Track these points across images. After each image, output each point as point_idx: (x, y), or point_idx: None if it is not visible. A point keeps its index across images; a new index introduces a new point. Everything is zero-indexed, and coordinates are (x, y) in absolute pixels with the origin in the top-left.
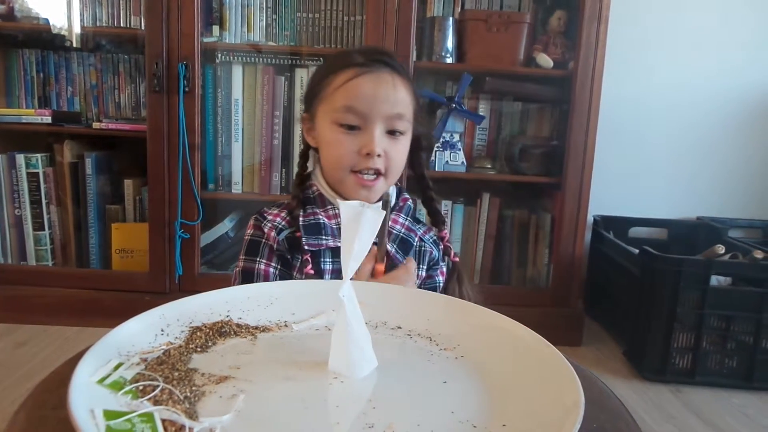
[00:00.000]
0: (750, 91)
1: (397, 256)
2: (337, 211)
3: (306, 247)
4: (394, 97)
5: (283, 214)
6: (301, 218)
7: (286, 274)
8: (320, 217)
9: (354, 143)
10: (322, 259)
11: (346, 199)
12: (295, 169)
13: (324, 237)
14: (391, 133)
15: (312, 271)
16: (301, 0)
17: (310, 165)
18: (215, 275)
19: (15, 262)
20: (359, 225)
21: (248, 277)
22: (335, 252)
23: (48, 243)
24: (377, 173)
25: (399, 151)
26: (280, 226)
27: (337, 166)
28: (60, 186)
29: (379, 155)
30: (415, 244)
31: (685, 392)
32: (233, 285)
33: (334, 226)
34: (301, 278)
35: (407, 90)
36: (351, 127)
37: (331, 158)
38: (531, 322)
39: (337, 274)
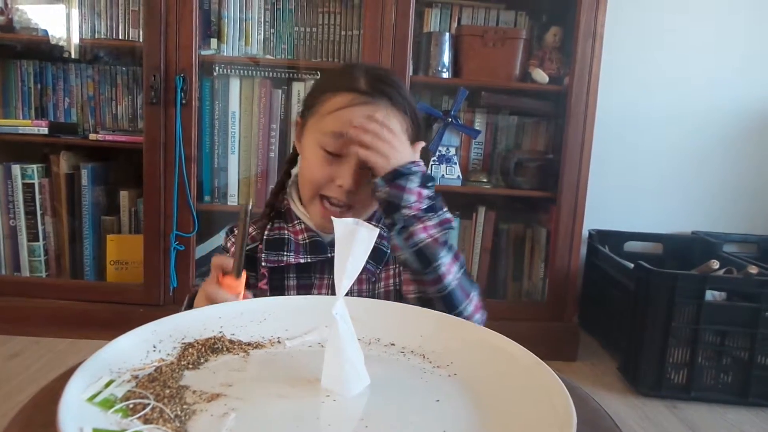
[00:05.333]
0: (744, 106)
1: (368, 266)
2: (303, 226)
3: (264, 263)
4: None
5: (249, 229)
6: (266, 232)
7: None
8: (285, 232)
9: (331, 171)
10: (285, 275)
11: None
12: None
13: (285, 253)
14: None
15: (265, 287)
16: (298, 14)
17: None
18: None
19: (8, 273)
20: (352, 243)
21: None
22: (300, 268)
23: (42, 254)
24: (346, 205)
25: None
26: None
27: (308, 187)
28: (55, 197)
29: (351, 191)
30: (388, 251)
31: (681, 408)
32: None
33: (300, 242)
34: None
35: (400, 125)
36: (333, 154)
37: (305, 176)
38: (526, 336)
39: (304, 290)
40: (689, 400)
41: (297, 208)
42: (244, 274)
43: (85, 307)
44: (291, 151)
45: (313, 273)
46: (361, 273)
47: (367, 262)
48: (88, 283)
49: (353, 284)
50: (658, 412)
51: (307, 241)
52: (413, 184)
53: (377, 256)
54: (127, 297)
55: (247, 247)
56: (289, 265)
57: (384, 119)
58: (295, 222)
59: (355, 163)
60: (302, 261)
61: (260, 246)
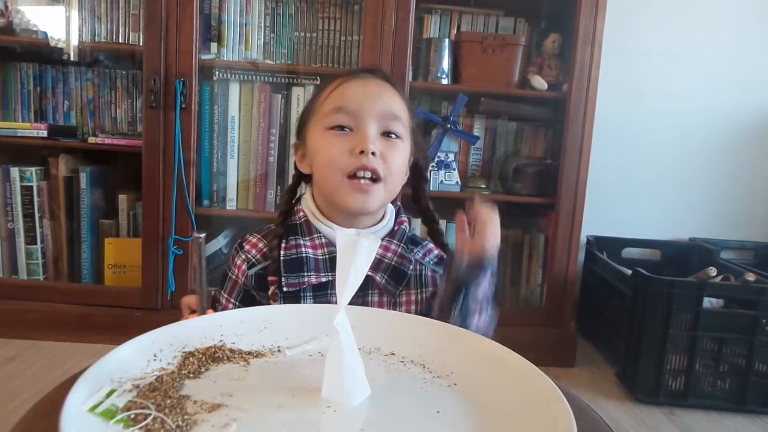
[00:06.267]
0: (741, 113)
1: (388, 287)
2: (324, 240)
3: (285, 288)
4: (385, 97)
5: (261, 245)
6: (282, 252)
7: None
8: (303, 249)
9: (347, 143)
10: (301, 294)
11: (341, 210)
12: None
13: (306, 274)
14: (387, 135)
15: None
16: (299, 19)
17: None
18: (207, 292)
19: (6, 275)
20: (355, 254)
21: (214, 306)
22: (317, 287)
23: (40, 257)
24: (375, 178)
25: (396, 156)
26: (254, 259)
27: (330, 171)
28: (54, 200)
29: (374, 153)
30: (409, 272)
31: (678, 415)
32: None
33: (320, 257)
34: None
35: (399, 98)
36: (342, 128)
37: (324, 163)
38: (524, 341)
39: None
40: (687, 407)
41: (315, 219)
42: (210, 312)
43: (83, 311)
44: (291, 180)
45: (330, 290)
46: (382, 294)
47: (388, 282)
48: (85, 286)
49: (374, 304)
50: (656, 418)
51: (327, 256)
52: (487, 273)
53: (398, 276)
54: (124, 301)
55: (257, 267)
56: (306, 286)
57: (379, 89)
58: (314, 235)
59: (369, 130)
60: (324, 280)
61: (270, 278)
